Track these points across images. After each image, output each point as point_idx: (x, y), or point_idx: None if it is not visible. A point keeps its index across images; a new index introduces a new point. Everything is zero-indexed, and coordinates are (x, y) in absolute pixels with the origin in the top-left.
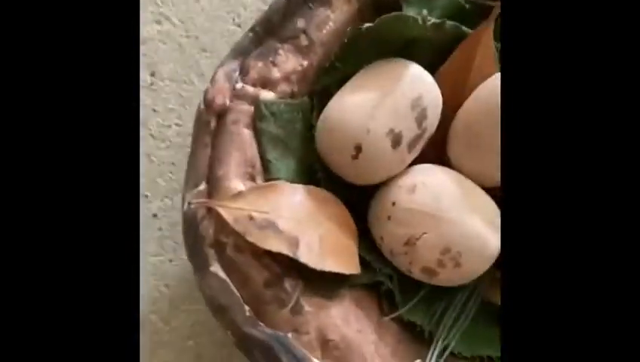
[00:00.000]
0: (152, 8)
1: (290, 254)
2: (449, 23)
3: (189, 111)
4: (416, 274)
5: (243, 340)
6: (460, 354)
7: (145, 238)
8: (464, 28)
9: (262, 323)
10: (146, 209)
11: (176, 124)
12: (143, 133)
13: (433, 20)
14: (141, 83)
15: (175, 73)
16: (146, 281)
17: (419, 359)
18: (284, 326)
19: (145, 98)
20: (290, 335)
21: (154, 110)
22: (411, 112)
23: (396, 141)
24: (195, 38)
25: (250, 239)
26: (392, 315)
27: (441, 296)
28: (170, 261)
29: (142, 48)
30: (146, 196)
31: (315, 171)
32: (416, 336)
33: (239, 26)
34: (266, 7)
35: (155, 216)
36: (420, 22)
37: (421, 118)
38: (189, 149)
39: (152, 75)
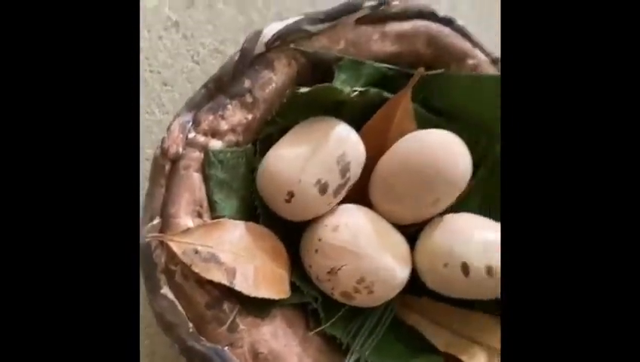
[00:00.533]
0: None
1: (228, 284)
2: (372, 90)
3: (149, 138)
4: (337, 297)
5: (187, 352)
6: None
7: None
8: (385, 93)
9: (203, 338)
10: None
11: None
12: None
13: (358, 89)
14: None
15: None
16: None
17: None
18: (222, 341)
19: None
20: (226, 348)
21: None
22: (336, 166)
23: (323, 189)
24: (157, 72)
25: (195, 269)
26: (316, 330)
27: (357, 314)
28: None
29: None
30: None
31: (255, 208)
32: (336, 349)
33: (197, 63)
34: (222, 48)
35: None
36: (346, 92)
37: (345, 171)
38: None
39: None
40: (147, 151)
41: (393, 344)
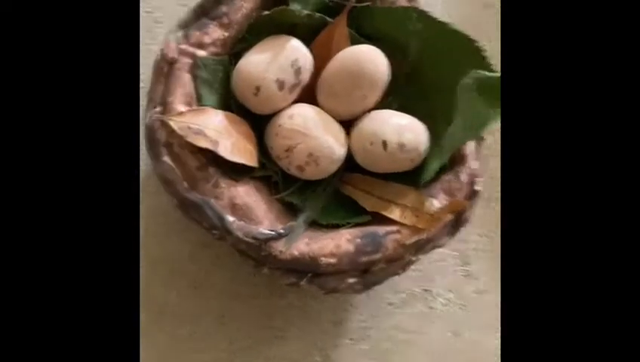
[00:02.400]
0: None
1: (213, 149)
2: (317, 14)
3: (145, 62)
4: (293, 170)
5: (182, 202)
6: (318, 222)
7: None
8: (328, 18)
9: (194, 192)
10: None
11: None
12: None
13: (306, 12)
14: None
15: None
16: None
17: (292, 222)
18: (208, 194)
19: None
20: (212, 200)
21: None
22: (291, 68)
23: (281, 86)
24: (149, 13)
25: (189, 140)
26: (278, 196)
27: (308, 186)
28: None
29: None
30: None
31: (230, 104)
32: (292, 211)
33: (185, 6)
34: None
35: None
36: (298, 13)
37: (297, 73)
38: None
39: None
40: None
41: (334, 207)
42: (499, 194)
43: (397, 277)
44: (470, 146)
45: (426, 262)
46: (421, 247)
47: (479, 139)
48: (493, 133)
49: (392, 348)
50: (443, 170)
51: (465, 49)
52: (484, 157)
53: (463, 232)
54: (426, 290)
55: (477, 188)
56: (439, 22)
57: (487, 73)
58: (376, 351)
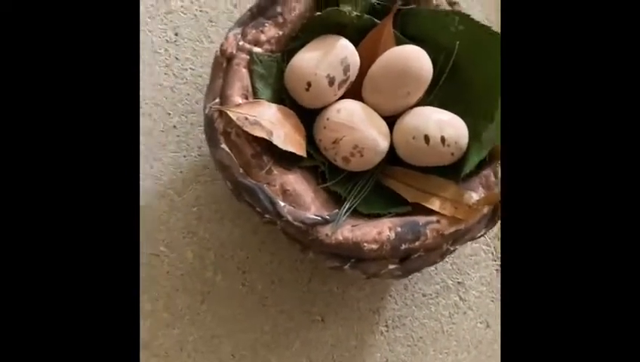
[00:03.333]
0: None
1: (268, 138)
2: (366, 16)
3: (200, 60)
4: (339, 161)
5: (237, 187)
6: (361, 211)
7: (167, 141)
8: (375, 19)
9: (249, 177)
10: (168, 122)
11: (191, 68)
12: (168, 73)
13: (356, 14)
14: (167, 39)
15: (191, 34)
16: (167, 168)
17: (336, 209)
18: (262, 180)
19: (170, 50)
20: (265, 185)
21: (176, 58)
22: (340, 66)
23: (331, 82)
24: (205, 12)
25: (245, 129)
26: (324, 185)
27: (353, 177)
28: (184, 156)
29: (169, 17)
30: (169, 114)
31: (283, 98)
32: (337, 200)
33: (235, 6)
34: None
35: (174, 127)
36: (348, 14)
37: (346, 70)
38: (198, 85)
39: (176, 34)
40: (200, 69)
41: (376, 198)
42: None
43: (432, 269)
44: None
45: (461, 256)
46: (459, 238)
47: None
48: None
49: (425, 336)
50: (482, 165)
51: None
52: None
53: (497, 228)
54: (459, 283)
55: None
56: (480, 25)
57: None
58: (410, 338)
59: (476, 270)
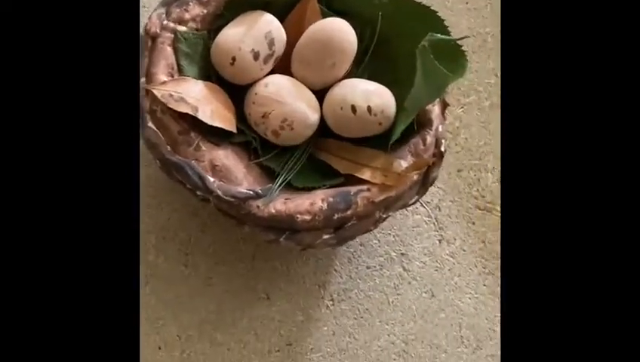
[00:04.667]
0: None
1: (193, 114)
2: None
3: None
4: (269, 136)
5: (165, 164)
6: (295, 185)
7: None
8: None
9: (177, 155)
10: None
11: None
12: None
13: None
14: None
15: None
16: None
17: (270, 184)
18: (190, 157)
19: None
20: (193, 162)
21: None
22: (265, 40)
23: (256, 56)
24: None
25: (170, 106)
26: (257, 161)
27: (285, 151)
28: None
29: None
30: None
31: (210, 75)
32: (270, 175)
33: None
34: None
35: None
36: None
37: (271, 44)
38: None
39: None
40: None
41: (310, 171)
42: (475, 163)
43: (375, 242)
44: (435, 110)
45: (403, 228)
46: (390, 204)
47: (443, 103)
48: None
49: (371, 308)
50: (410, 133)
51: (425, 18)
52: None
53: (437, 199)
54: (402, 254)
55: (442, 148)
56: None
57: (442, 36)
58: (356, 310)
59: (419, 241)
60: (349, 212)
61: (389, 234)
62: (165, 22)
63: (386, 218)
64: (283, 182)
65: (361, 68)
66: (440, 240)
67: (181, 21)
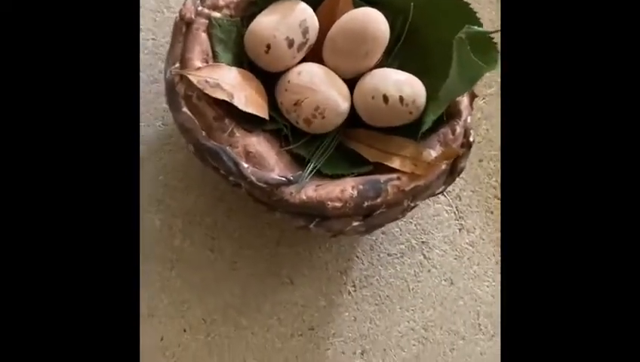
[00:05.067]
0: None
1: (229, 100)
2: None
3: (161, 31)
4: (301, 124)
5: (200, 149)
6: (325, 173)
7: None
8: None
9: (211, 140)
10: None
11: (153, 39)
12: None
13: None
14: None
15: (151, 5)
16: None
17: (300, 171)
18: (224, 143)
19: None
20: (228, 147)
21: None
22: (299, 28)
23: (290, 44)
24: None
25: (206, 92)
26: (287, 148)
27: (315, 140)
28: (148, 125)
29: None
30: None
31: (243, 62)
32: (300, 162)
33: None
34: None
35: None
36: None
37: (305, 32)
38: (160, 55)
39: None
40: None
41: (339, 159)
42: (495, 154)
43: (396, 230)
44: (464, 102)
45: (425, 217)
46: (418, 193)
47: (472, 94)
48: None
49: (392, 295)
50: (440, 123)
51: (458, 9)
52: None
53: (458, 189)
54: (423, 242)
55: (471, 139)
56: None
57: (478, 29)
58: (377, 297)
59: (439, 230)
60: (378, 200)
61: (411, 222)
62: (200, 8)
63: (414, 206)
64: (313, 169)
65: (391, 56)
66: (460, 229)
67: (215, 7)
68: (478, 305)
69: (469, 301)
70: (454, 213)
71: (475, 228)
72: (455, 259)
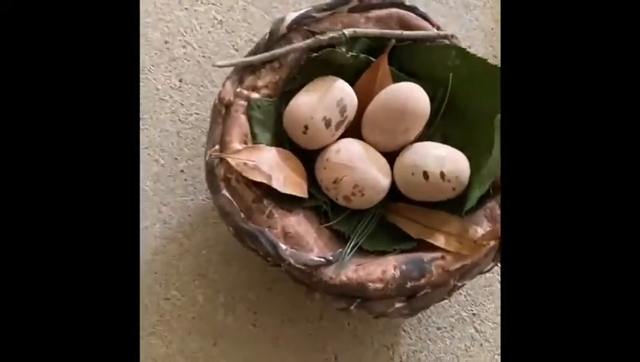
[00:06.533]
0: (180, 37)
1: (267, 182)
2: (362, 55)
3: (204, 105)
4: (340, 200)
5: (239, 232)
6: (366, 249)
7: (175, 185)
8: (371, 58)
9: (250, 222)
10: (176, 167)
11: (196, 113)
12: (174, 119)
13: (352, 54)
14: (171, 86)
15: (195, 80)
16: (175, 212)
17: (340, 249)
18: (263, 224)
19: (174, 96)
20: (266, 229)
21: (181, 104)
22: (337, 107)
23: (327, 124)
24: (208, 57)
25: (245, 175)
26: (327, 224)
27: (355, 215)
28: (192, 199)
29: (173, 64)
30: (176, 159)
31: (282, 141)
32: (340, 239)
33: (237, 50)
34: (255, 40)
35: (182, 171)
36: (344, 55)
37: (343, 111)
38: (203, 129)
39: (180, 80)
40: (204, 113)
41: (380, 235)
42: None
43: (445, 302)
44: None
45: (475, 287)
46: (466, 273)
47: None
48: None
49: None
50: (485, 197)
51: (497, 79)
52: None
53: None
54: (474, 314)
55: None
56: (476, 57)
57: None
58: None
59: (491, 301)
60: (422, 281)
61: (460, 293)
62: (239, 89)
63: (461, 286)
64: (354, 247)
65: (432, 128)
66: None
67: (254, 88)
68: None
69: None
70: None
71: None
72: None
